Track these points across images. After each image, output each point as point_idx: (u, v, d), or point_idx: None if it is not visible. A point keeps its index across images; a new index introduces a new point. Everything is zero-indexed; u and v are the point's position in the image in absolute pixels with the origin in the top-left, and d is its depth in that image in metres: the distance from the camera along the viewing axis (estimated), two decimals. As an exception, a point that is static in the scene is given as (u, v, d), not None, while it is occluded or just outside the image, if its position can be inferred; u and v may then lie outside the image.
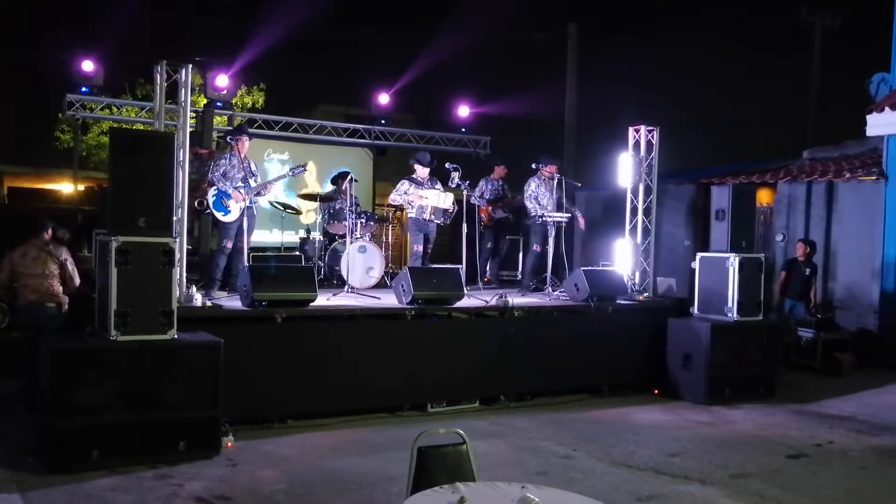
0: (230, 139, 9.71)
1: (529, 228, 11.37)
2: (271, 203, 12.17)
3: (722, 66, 24.21)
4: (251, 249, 10.05)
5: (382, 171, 17.80)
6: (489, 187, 12.19)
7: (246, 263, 9.22)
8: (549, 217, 10.78)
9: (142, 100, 17.71)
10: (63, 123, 19.87)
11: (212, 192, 9.23)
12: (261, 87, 20.39)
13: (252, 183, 9.33)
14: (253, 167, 9.53)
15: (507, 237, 12.84)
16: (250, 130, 11.94)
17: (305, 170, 10.28)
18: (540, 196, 11.03)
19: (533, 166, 11.23)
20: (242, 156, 9.43)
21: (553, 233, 10.79)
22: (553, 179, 11.06)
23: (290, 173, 10.14)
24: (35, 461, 6.39)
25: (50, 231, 8.16)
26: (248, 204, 9.32)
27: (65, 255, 8.09)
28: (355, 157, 16.25)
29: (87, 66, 12.68)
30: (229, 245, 9.33)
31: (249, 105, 20.24)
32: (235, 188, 9.24)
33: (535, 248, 11.07)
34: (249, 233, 9.66)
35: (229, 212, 9.22)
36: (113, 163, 6.84)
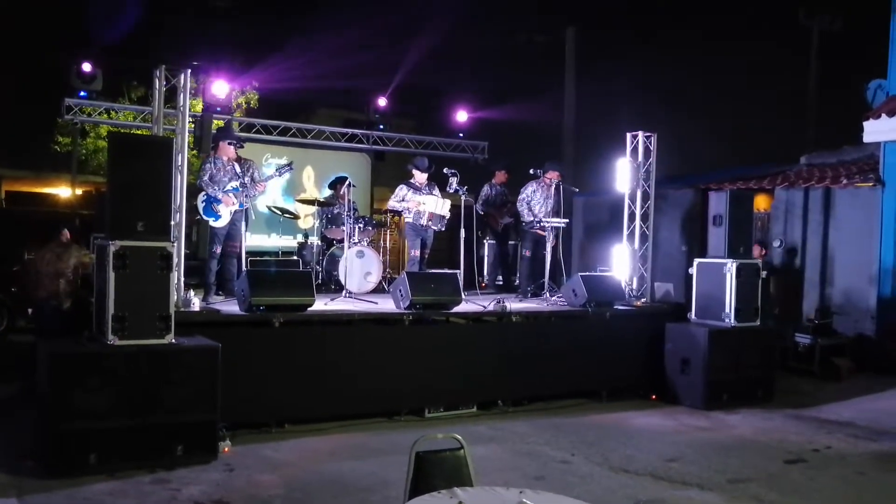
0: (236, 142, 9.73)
1: (523, 234, 11.42)
2: (269, 208, 12.15)
3: (720, 72, 24.24)
4: (248, 254, 10.05)
5: (381, 176, 17.83)
6: (492, 192, 12.21)
7: (243, 268, 9.23)
8: (547, 223, 10.80)
9: (136, 103, 17.70)
10: (62, 128, 19.88)
11: (201, 197, 9.19)
12: (254, 86, 20.39)
13: (238, 185, 9.30)
14: (238, 169, 9.50)
15: (509, 242, 12.88)
16: (245, 135, 11.95)
17: (292, 168, 10.27)
18: (533, 202, 11.06)
19: (531, 171, 11.25)
20: (226, 159, 9.41)
21: (551, 238, 10.81)
22: (551, 186, 11.10)
23: (277, 173, 10.13)
24: (33, 465, 6.39)
25: (66, 233, 8.55)
26: (238, 207, 9.30)
27: (74, 257, 8.41)
28: (353, 162, 16.28)
29: (87, 67, 12.72)
30: (218, 250, 9.31)
31: (244, 104, 20.22)
32: (224, 192, 9.21)
33: (526, 253, 11.12)
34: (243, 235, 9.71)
35: (220, 217, 9.19)
36: (111, 167, 6.85)
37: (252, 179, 9.60)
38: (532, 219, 11.04)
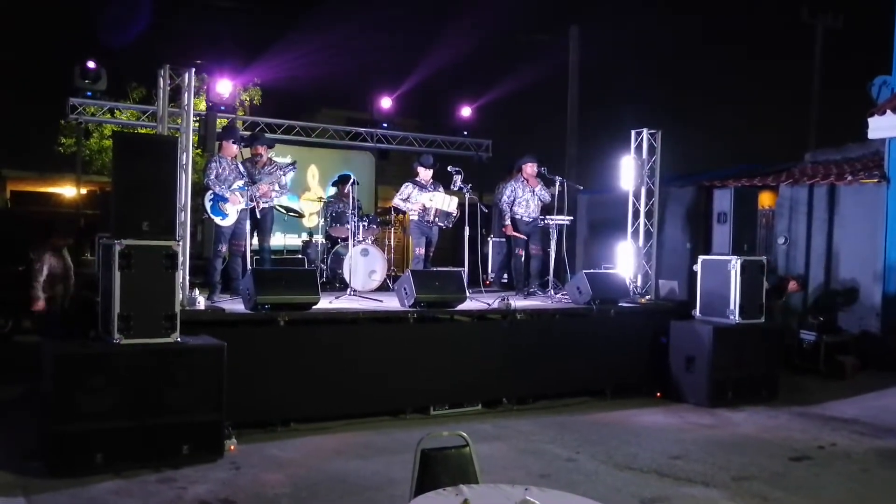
0: (245, 142, 9.74)
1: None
2: (274, 206, 12.16)
3: (724, 70, 24.24)
4: (254, 252, 10.04)
5: (385, 175, 17.86)
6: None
7: (248, 266, 9.23)
8: (551, 220, 10.78)
9: (138, 103, 17.73)
10: (65, 129, 19.95)
11: (208, 196, 9.17)
12: (256, 83, 20.43)
13: (244, 184, 9.29)
14: (241, 169, 9.50)
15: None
16: (249, 133, 11.97)
17: (294, 168, 10.28)
18: (516, 201, 11.01)
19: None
20: (231, 158, 9.40)
21: (555, 235, 10.78)
22: (534, 179, 11.04)
23: (281, 173, 10.13)
24: (39, 465, 6.39)
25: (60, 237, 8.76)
26: (244, 206, 9.29)
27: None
28: (358, 161, 16.29)
29: (91, 64, 12.80)
30: (224, 248, 9.29)
31: (247, 102, 20.26)
32: (231, 190, 9.19)
33: (518, 252, 11.12)
34: (267, 234, 9.70)
35: (227, 216, 9.16)
36: (116, 166, 6.86)
37: (276, 180, 9.66)
38: (520, 217, 11.00)
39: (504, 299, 9.46)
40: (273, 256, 10.53)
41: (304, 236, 13.31)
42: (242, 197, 9.23)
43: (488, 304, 9.37)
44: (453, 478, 3.94)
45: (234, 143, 9.47)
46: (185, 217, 7.81)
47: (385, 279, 10.81)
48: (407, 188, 10.60)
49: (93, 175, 21.75)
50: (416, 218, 10.53)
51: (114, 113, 14.58)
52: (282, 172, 9.89)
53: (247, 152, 10.24)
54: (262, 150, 9.93)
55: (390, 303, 9.17)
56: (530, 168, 11.04)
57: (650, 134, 10.94)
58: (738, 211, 9.84)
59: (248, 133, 13.22)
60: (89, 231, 13.70)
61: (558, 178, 10.98)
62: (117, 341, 6.47)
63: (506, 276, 12.49)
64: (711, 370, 9.41)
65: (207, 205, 9.12)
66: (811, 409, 9.44)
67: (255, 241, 9.90)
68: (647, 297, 10.76)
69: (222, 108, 13.52)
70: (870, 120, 12.34)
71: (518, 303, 9.61)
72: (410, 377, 8.48)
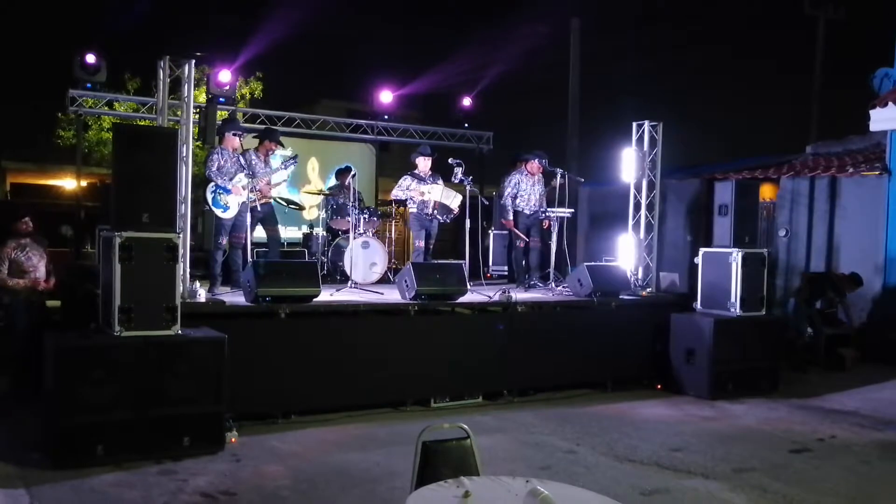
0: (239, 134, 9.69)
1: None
2: (274, 199, 12.17)
3: (725, 61, 24.17)
4: (262, 244, 10.01)
5: (385, 167, 17.82)
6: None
7: (249, 259, 9.21)
8: (552, 213, 10.76)
9: (134, 94, 17.69)
10: (62, 122, 19.95)
11: (210, 188, 9.14)
12: (258, 76, 20.40)
13: (245, 177, 9.25)
14: (243, 161, 9.45)
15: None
16: (249, 126, 11.93)
17: (296, 162, 10.23)
18: (519, 193, 10.97)
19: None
20: (232, 150, 9.36)
21: (557, 228, 10.75)
22: (535, 176, 11.02)
23: (282, 166, 10.10)
24: (40, 457, 6.41)
25: (28, 222, 8.71)
26: (246, 199, 9.25)
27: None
28: (358, 153, 16.25)
29: (91, 58, 12.76)
30: (224, 241, 9.26)
31: (248, 95, 20.23)
32: (233, 183, 9.16)
33: (518, 244, 11.10)
34: (266, 225, 9.65)
35: (228, 208, 9.13)
36: (116, 158, 6.84)
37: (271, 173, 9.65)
38: (522, 210, 10.96)
39: (505, 292, 9.46)
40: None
41: (305, 229, 13.29)
42: (244, 189, 9.20)
43: (489, 297, 9.36)
44: (454, 470, 3.94)
45: (235, 135, 9.43)
46: (185, 209, 7.80)
47: (386, 272, 10.80)
48: (405, 180, 10.59)
49: (93, 167, 21.74)
50: (415, 210, 10.52)
51: (112, 105, 14.55)
52: (283, 166, 9.88)
53: (254, 143, 10.14)
54: (273, 145, 9.89)
55: (391, 295, 9.16)
56: (535, 167, 11.00)
57: (651, 126, 10.92)
58: (740, 203, 9.83)
59: (248, 125, 13.20)
60: (90, 223, 13.68)
61: (559, 171, 10.95)
62: (118, 333, 6.47)
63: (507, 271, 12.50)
64: (712, 362, 9.42)
65: (209, 197, 9.09)
66: (811, 402, 9.44)
67: (265, 234, 9.80)
68: (648, 289, 10.76)
69: (222, 99, 13.48)
70: (871, 112, 12.31)
71: (519, 295, 9.61)
72: (411, 369, 8.48)
